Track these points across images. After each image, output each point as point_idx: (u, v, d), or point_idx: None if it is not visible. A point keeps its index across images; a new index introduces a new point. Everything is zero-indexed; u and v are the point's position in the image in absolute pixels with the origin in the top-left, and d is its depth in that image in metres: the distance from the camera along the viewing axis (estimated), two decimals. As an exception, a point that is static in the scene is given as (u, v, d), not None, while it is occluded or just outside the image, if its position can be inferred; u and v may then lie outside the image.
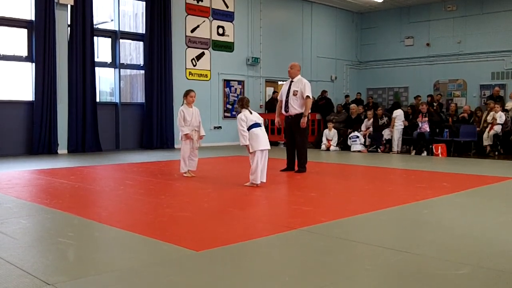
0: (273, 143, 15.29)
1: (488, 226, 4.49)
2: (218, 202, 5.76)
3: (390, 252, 3.57)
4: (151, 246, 3.75)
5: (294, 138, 8.17)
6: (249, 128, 6.64)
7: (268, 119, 15.30)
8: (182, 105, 7.61)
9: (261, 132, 6.72)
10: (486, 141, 12.04)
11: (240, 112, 6.78)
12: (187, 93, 7.61)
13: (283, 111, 8.24)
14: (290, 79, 8.22)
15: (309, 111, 8.06)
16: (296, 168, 8.24)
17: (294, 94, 8.01)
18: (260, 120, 6.82)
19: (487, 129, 12.12)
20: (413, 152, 12.42)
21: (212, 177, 7.30)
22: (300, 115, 7.98)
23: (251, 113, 6.76)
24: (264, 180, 6.76)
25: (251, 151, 6.63)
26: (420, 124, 12.41)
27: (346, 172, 8.95)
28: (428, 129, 12.28)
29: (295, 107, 8.03)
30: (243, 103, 6.82)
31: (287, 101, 8.11)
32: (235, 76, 15.39)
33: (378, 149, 13.01)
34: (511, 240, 4.02)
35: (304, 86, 7.97)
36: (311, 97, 8.05)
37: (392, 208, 5.24)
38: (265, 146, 6.72)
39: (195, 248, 3.59)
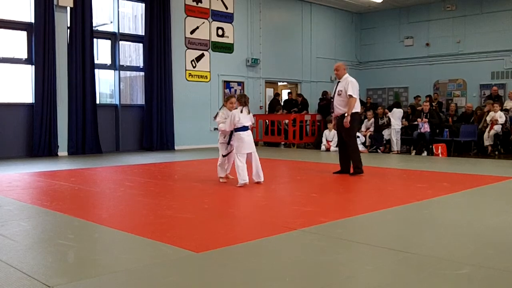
0: (274, 144, 15.37)
1: (489, 226, 4.48)
2: (218, 203, 5.76)
3: (391, 252, 3.57)
4: (151, 247, 3.74)
5: (343, 140, 8.02)
6: (237, 130, 6.73)
7: (268, 120, 15.32)
8: (221, 108, 7.35)
9: (246, 136, 6.77)
10: (487, 141, 12.03)
11: (238, 108, 6.81)
12: (228, 99, 7.28)
13: (332, 112, 8.18)
14: (338, 80, 8.06)
15: (353, 111, 7.73)
16: (351, 170, 7.98)
17: (339, 94, 7.86)
18: (250, 122, 6.88)
19: (487, 129, 12.12)
20: (413, 152, 12.42)
21: (212, 179, 7.29)
22: (344, 115, 7.80)
23: (249, 112, 6.83)
24: (261, 180, 6.80)
25: (234, 152, 6.77)
26: (420, 125, 12.40)
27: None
28: (428, 129, 12.28)
29: (340, 107, 7.86)
30: (245, 100, 6.85)
31: (332, 102, 8.07)
32: (234, 77, 15.39)
33: (378, 150, 13.01)
34: (511, 239, 4.02)
35: (347, 85, 7.75)
36: (354, 96, 7.75)
37: (393, 208, 5.23)
38: (248, 150, 6.78)
39: (195, 250, 3.59)
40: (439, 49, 17.19)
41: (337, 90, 7.92)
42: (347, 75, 8.00)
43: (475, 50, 16.36)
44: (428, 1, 17.25)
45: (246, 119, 6.77)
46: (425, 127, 12.32)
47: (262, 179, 6.79)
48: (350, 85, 7.75)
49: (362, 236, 4.10)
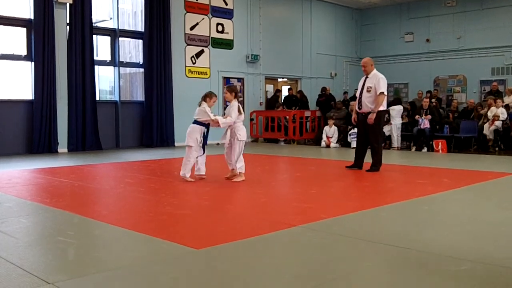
0: (273, 140, 15.36)
1: (489, 222, 4.48)
2: (218, 200, 5.76)
3: (390, 249, 3.57)
4: (151, 244, 3.74)
5: (366, 136, 7.86)
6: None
7: (268, 116, 15.31)
8: (201, 105, 7.26)
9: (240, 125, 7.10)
10: (489, 133, 11.98)
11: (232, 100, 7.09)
12: (211, 97, 7.29)
13: (356, 108, 7.96)
14: (365, 75, 7.84)
15: (380, 108, 7.60)
16: (368, 166, 7.88)
17: (368, 91, 7.66)
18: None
19: (488, 123, 12.09)
20: (414, 148, 12.42)
21: (212, 175, 7.29)
22: (378, 113, 7.64)
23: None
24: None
25: (241, 139, 6.94)
26: (420, 121, 12.39)
27: (346, 169, 8.93)
28: (428, 125, 12.26)
29: (369, 104, 7.66)
30: (237, 93, 7.14)
31: (360, 98, 7.81)
32: (234, 73, 15.36)
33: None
34: (511, 236, 4.01)
35: (378, 82, 7.57)
36: (385, 93, 7.65)
37: (393, 204, 5.23)
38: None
39: (196, 246, 3.59)
40: (439, 45, 17.16)
41: (366, 86, 7.71)
42: (375, 71, 7.82)
43: (476, 46, 16.33)
44: (428, -3, 17.22)
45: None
46: (425, 123, 12.31)
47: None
48: (381, 82, 7.59)
49: (362, 232, 4.09)
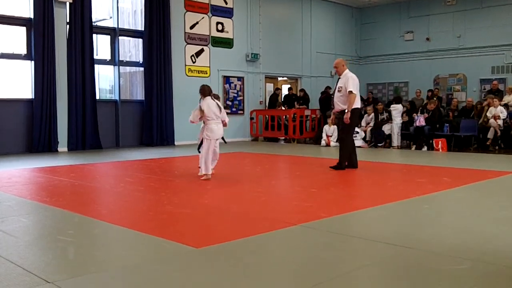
0: (273, 139, 15.36)
1: (489, 221, 4.48)
2: (218, 198, 5.76)
3: (390, 247, 3.57)
4: (151, 243, 3.74)
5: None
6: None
7: (268, 115, 15.30)
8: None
9: (215, 126, 7.06)
10: (491, 130, 11.99)
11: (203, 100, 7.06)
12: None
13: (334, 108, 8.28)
14: (338, 76, 8.08)
15: (353, 107, 7.74)
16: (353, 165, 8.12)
17: (339, 91, 7.90)
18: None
19: (493, 120, 12.07)
20: (413, 147, 12.42)
21: (212, 174, 7.28)
22: (344, 112, 7.84)
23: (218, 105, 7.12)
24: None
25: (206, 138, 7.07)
26: (416, 117, 12.42)
27: (346, 168, 8.93)
28: (424, 123, 12.26)
29: (339, 104, 7.91)
30: (206, 92, 7.10)
31: (332, 98, 8.19)
32: (234, 72, 15.36)
33: (378, 145, 13.00)
34: (511, 234, 4.01)
35: (347, 81, 7.78)
36: (354, 92, 7.75)
37: (393, 203, 5.23)
38: (216, 137, 7.10)
39: (196, 245, 3.59)
40: (439, 43, 17.14)
41: (337, 87, 7.95)
42: (347, 71, 7.99)
43: (476, 44, 16.31)
44: (428, -4, 17.20)
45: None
46: (420, 120, 12.32)
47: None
48: (350, 81, 7.75)
49: (362, 231, 4.10)
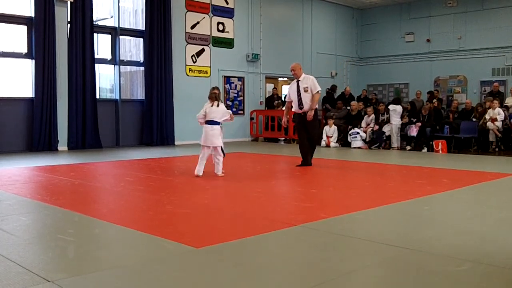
0: (273, 140, 15.36)
1: (489, 222, 4.48)
2: (218, 198, 5.77)
3: (390, 248, 3.57)
4: (151, 242, 3.74)
5: (308, 133, 8.47)
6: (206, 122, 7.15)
7: (268, 115, 15.30)
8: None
9: (209, 129, 7.09)
10: (492, 132, 12.00)
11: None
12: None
13: (297, 109, 8.48)
14: (296, 79, 8.52)
15: (316, 105, 8.47)
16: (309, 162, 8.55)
17: (306, 91, 8.35)
18: (223, 117, 7.17)
19: (490, 122, 12.08)
20: (408, 148, 12.50)
21: (212, 174, 7.29)
22: (314, 110, 8.39)
23: (218, 106, 7.12)
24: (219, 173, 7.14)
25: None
26: (407, 128, 12.59)
27: (346, 169, 8.95)
28: (415, 134, 12.38)
29: (309, 102, 8.36)
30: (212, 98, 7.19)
31: (300, 99, 8.40)
32: (235, 72, 15.36)
33: (379, 147, 13.00)
34: (511, 236, 4.01)
35: (312, 82, 8.43)
36: (319, 92, 8.53)
37: (393, 204, 5.23)
38: (203, 143, 7.14)
39: (195, 245, 3.59)
40: (440, 45, 17.15)
41: (302, 88, 8.37)
42: (304, 74, 8.55)
43: (476, 46, 16.32)
44: (429, -3, 17.21)
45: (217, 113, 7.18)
46: (412, 131, 12.45)
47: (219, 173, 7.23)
48: (315, 82, 8.46)
49: (362, 232, 4.09)
